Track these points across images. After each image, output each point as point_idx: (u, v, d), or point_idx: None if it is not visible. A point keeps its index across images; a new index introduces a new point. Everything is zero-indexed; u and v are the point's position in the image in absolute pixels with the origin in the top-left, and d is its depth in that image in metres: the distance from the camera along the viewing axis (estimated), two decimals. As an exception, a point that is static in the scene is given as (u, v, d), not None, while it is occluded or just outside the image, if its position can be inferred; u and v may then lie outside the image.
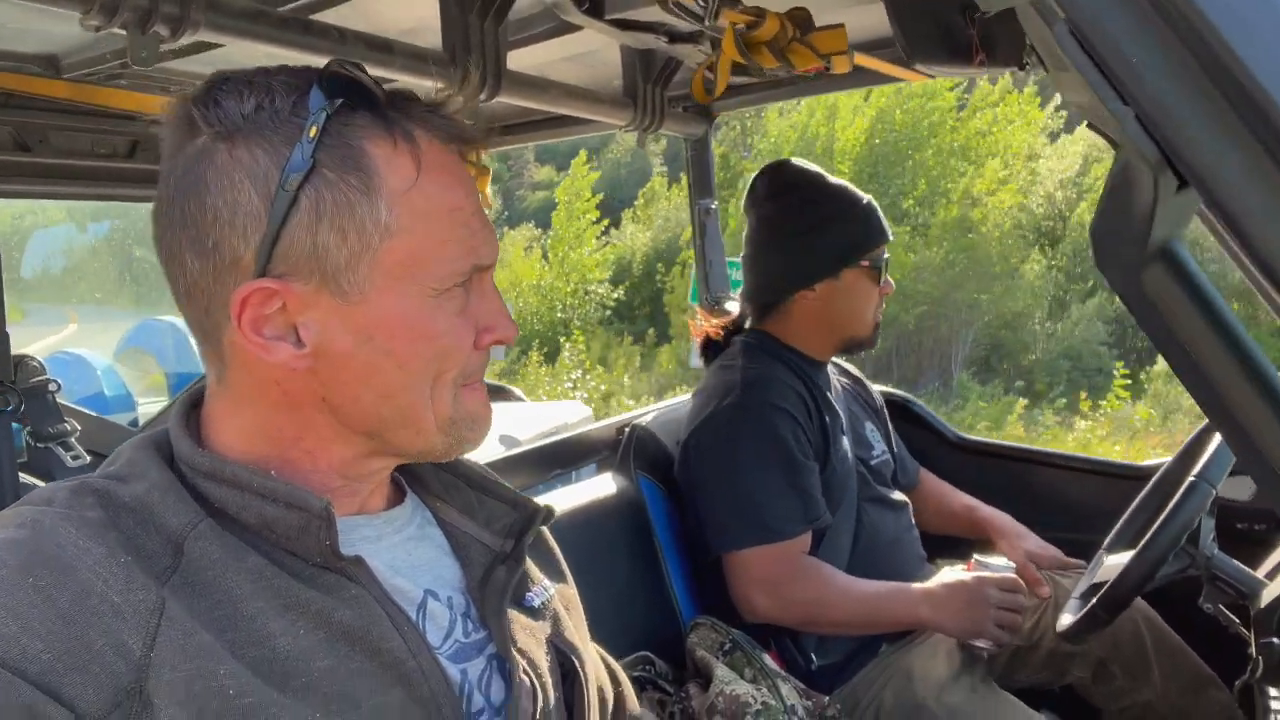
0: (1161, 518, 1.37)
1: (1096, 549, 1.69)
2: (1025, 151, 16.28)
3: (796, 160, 1.88)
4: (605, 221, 17.86)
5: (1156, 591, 1.50)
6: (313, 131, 0.69)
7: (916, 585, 1.62)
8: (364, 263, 0.71)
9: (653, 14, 1.63)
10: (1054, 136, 17.06)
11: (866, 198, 1.80)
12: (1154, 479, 1.68)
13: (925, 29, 1.09)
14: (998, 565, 1.60)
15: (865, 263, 1.76)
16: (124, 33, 1.09)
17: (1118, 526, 1.68)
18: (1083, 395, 10.35)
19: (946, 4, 1.09)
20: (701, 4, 1.32)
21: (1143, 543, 1.37)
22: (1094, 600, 1.42)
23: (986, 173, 15.01)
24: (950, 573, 1.64)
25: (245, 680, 0.64)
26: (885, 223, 1.81)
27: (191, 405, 0.81)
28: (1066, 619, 1.54)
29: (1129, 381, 9.92)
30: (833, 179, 1.82)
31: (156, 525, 0.69)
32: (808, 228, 1.77)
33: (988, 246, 14.69)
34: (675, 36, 1.73)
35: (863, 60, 1.71)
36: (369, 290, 0.71)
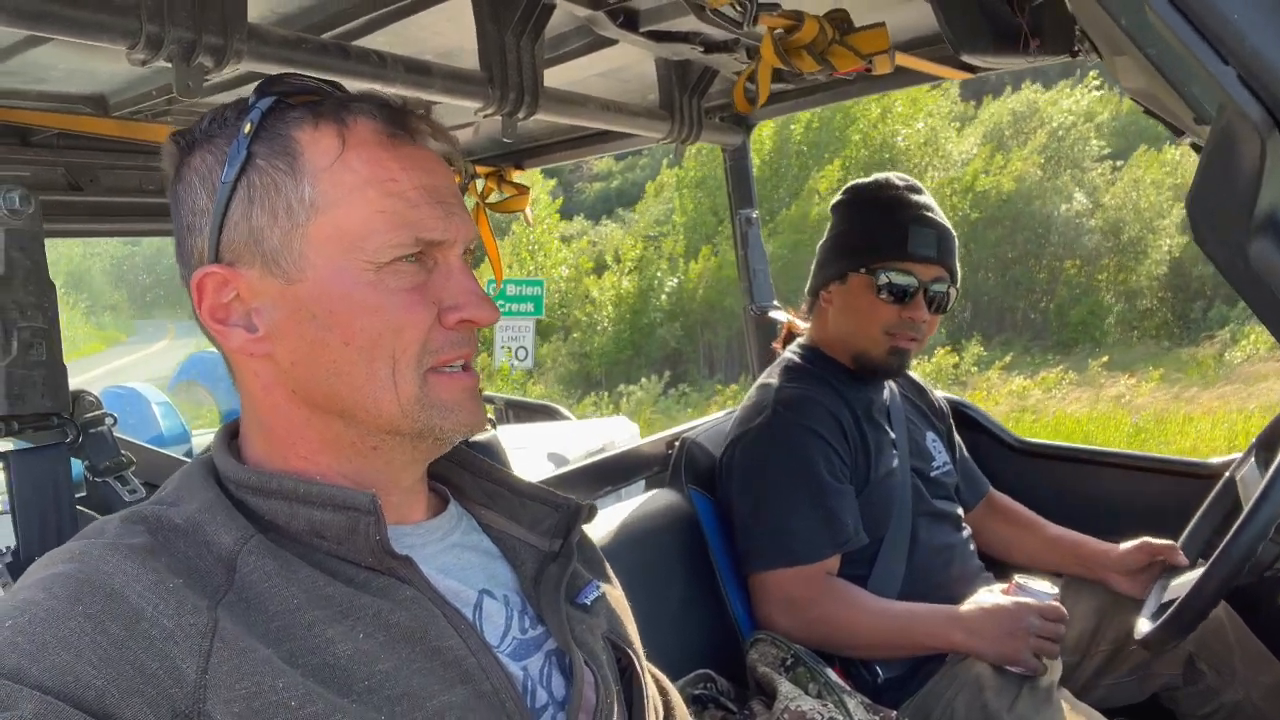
0: (1240, 520, 1.31)
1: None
2: (921, 140, 16.85)
3: (890, 174, 1.80)
4: (564, 222, 18.57)
5: (1234, 592, 1.44)
6: (247, 128, 0.75)
7: (951, 608, 1.57)
8: (296, 240, 0.73)
9: (688, 24, 1.62)
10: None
11: (916, 213, 1.70)
12: (1224, 478, 1.61)
13: (972, 20, 1.07)
14: (1040, 591, 1.53)
15: (864, 270, 1.71)
16: (169, 65, 1.10)
17: (1188, 529, 1.62)
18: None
19: (994, -4, 1.07)
20: (739, 10, 1.30)
21: (1219, 549, 1.32)
22: (1173, 608, 1.37)
23: (827, 171, 15.43)
24: (988, 595, 1.59)
25: (306, 690, 0.64)
26: (922, 243, 1.68)
27: (234, 429, 0.84)
28: (1144, 626, 1.49)
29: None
30: (898, 188, 1.75)
31: (208, 545, 0.70)
32: (837, 230, 1.79)
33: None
34: (710, 46, 1.72)
35: (903, 60, 1.68)
36: (307, 268, 0.74)
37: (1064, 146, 17.02)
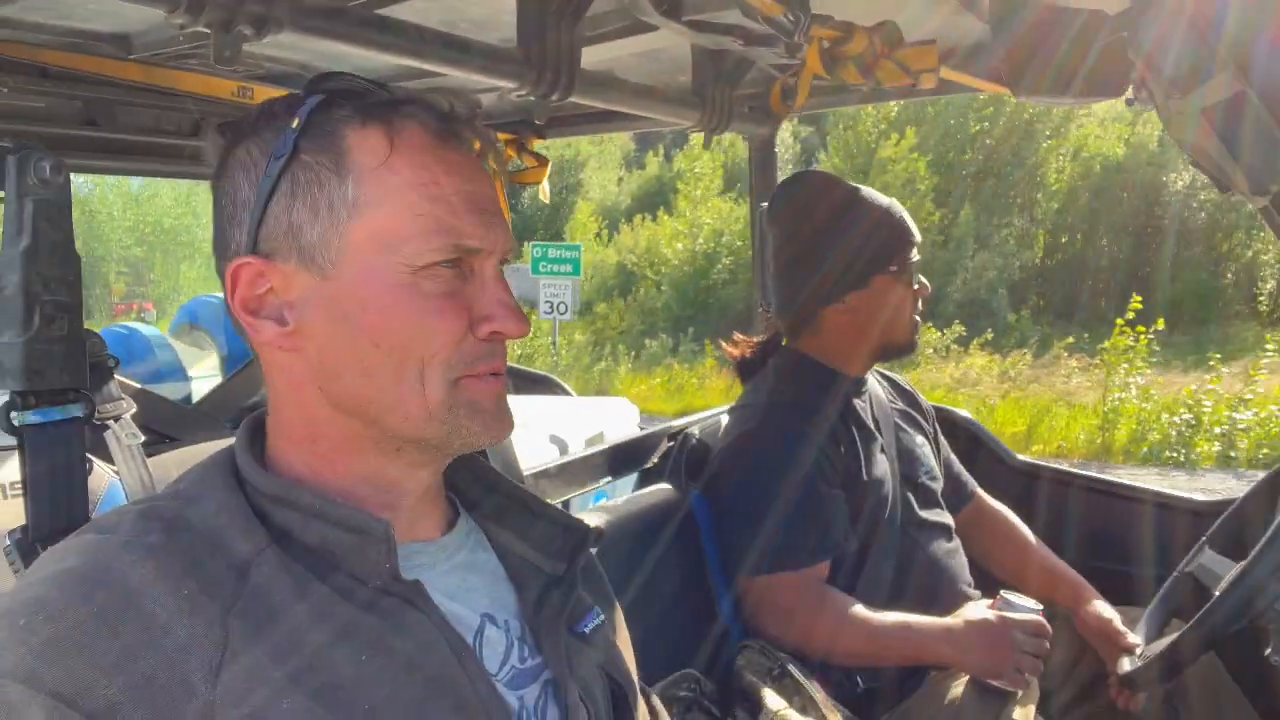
0: (1230, 576, 1.32)
1: (1147, 586, 1.64)
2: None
3: (815, 170, 1.84)
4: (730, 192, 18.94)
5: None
6: (295, 122, 0.74)
7: (937, 621, 1.57)
8: (335, 238, 0.73)
9: (731, 16, 1.58)
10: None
11: (889, 201, 1.75)
12: (1175, 572, 1.59)
13: (1036, 66, 1.05)
14: (1025, 606, 1.54)
15: (894, 268, 1.72)
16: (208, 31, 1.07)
17: (1146, 612, 1.60)
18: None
19: (1056, 36, 1.05)
20: (791, 20, 1.27)
21: (1211, 601, 1.33)
22: (1158, 654, 1.39)
23: (895, 141, 16.01)
24: (974, 609, 1.59)
25: (310, 711, 0.65)
26: (911, 225, 1.76)
27: (257, 426, 0.83)
28: (1126, 664, 1.51)
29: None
30: (853, 185, 1.77)
31: (223, 550, 0.70)
32: (833, 240, 1.73)
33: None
34: (751, 39, 1.69)
35: (948, 74, 1.64)
36: (343, 266, 0.74)
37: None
